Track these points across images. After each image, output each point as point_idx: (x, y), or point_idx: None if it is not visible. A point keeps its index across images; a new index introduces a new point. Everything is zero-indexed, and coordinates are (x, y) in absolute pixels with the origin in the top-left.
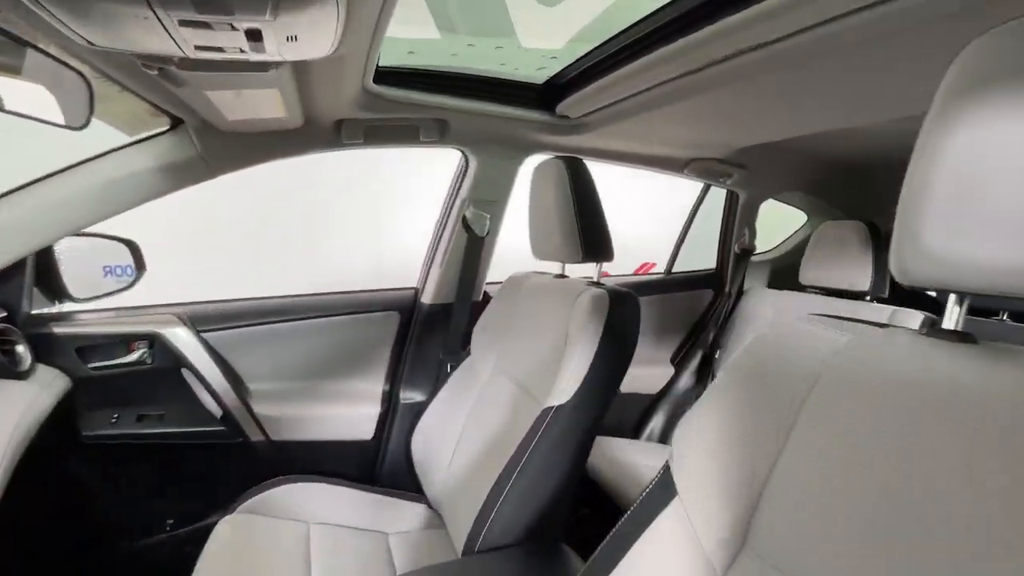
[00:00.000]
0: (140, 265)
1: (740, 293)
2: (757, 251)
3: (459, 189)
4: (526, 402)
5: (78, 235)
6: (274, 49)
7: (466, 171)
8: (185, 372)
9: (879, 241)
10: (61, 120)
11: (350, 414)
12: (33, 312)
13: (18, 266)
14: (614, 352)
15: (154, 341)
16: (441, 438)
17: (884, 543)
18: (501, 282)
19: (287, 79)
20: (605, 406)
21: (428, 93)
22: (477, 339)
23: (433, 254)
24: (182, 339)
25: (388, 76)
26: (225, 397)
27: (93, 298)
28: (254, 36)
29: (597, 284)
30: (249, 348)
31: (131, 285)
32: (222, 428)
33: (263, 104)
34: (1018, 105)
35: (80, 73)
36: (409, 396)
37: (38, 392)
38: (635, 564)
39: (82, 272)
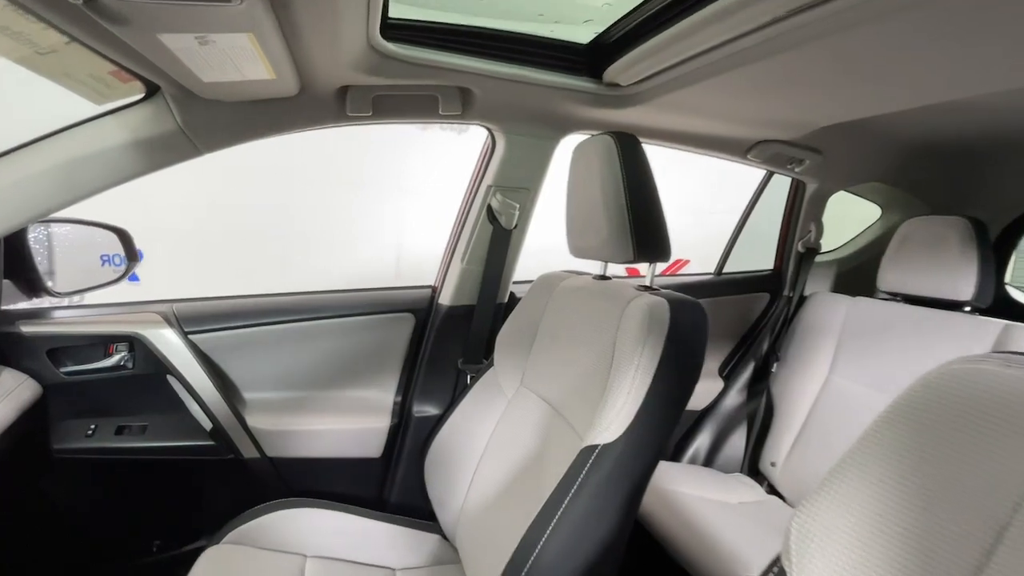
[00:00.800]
0: (132, 256)
1: (802, 297)
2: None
3: (483, 174)
4: (562, 431)
5: (59, 221)
6: None
7: (492, 152)
8: (171, 379)
9: (985, 240)
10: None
11: (356, 428)
12: (4, 308)
13: None
14: (676, 378)
15: (135, 343)
16: (458, 459)
17: None
18: (530, 281)
19: (264, 21)
20: (663, 443)
21: (448, 53)
22: (501, 347)
23: (453, 249)
24: (167, 341)
25: (399, 30)
26: (215, 408)
27: (74, 292)
28: None
29: (650, 289)
30: (243, 352)
31: (121, 278)
32: (212, 443)
33: (243, 61)
34: None
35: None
36: (423, 409)
37: None
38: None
39: (62, 263)
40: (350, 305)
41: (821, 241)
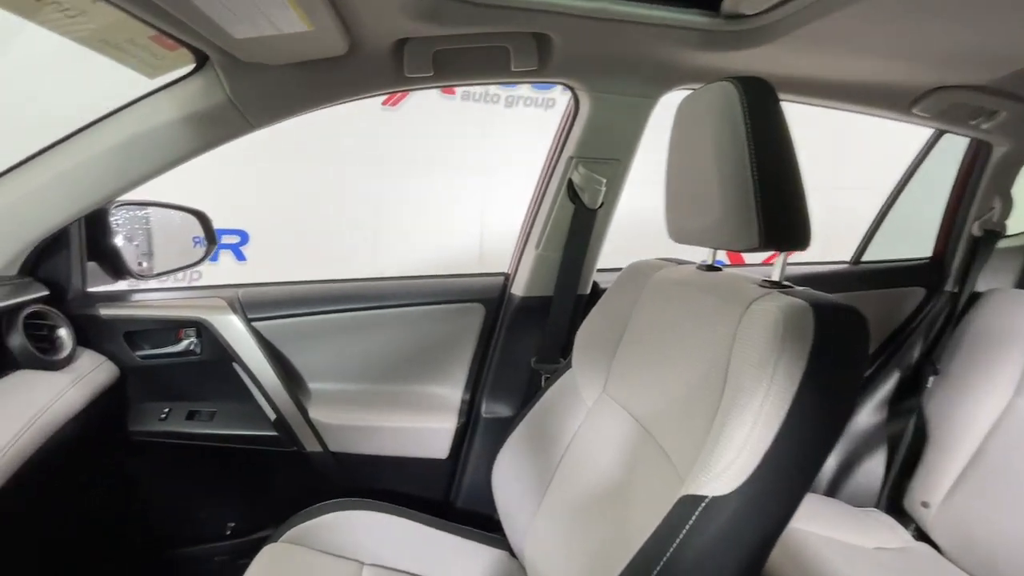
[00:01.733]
0: (211, 238)
1: (974, 294)
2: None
3: (564, 143)
4: (654, 460)
5: (140, 204)
6: None
7: (575, 116)
8: (236, 366)
9: None
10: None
11: (422, 427)
12: (88, 290)
13: (63, 240)
14: (823, 412)
15: (202, 329)
16: (529, 471)
17: None
18: (617, 270)
19: None
20: (800, 495)
21: None
22: (581, 347)
23: (528, 232)
24: (231, 328)
25: None
26: (278, 398)
27: (158, 275)
28: None
29: (780, 285)
30: (307, 341)
31: (201, 260)
32: (275, 434)
33: (273, 10)
34: None
35: None
36: (493, 410)
37: (69, 384)
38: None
39: (146, 246)
40: (416, 293)
41: (1007, 222)
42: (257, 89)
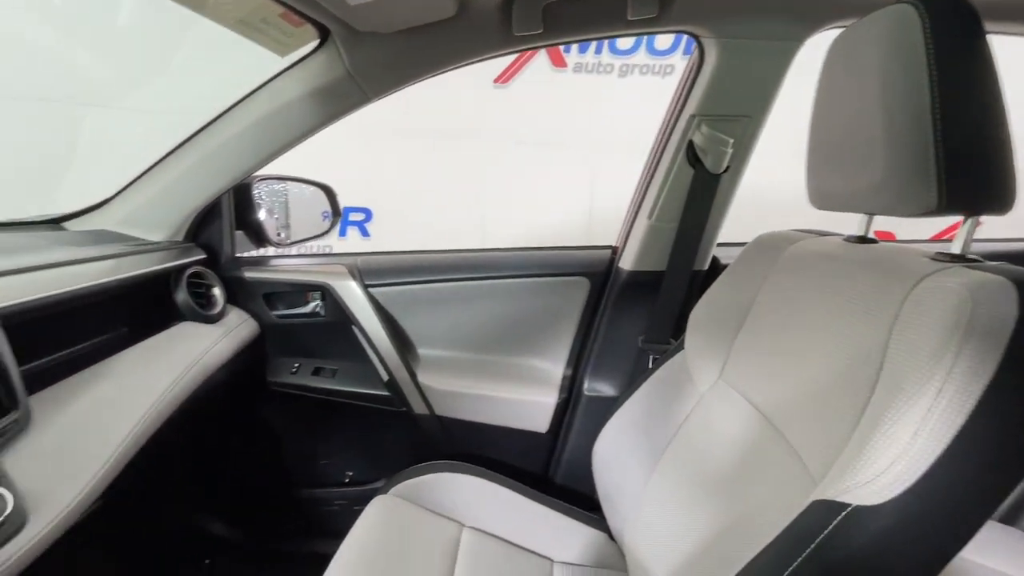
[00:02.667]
0: (336, 211)
1: None
2: None
3: (684, 101)
4: (780, 457)
5: (278, 179)
6: None
7: (699, 69)
8: (355, 328)
9: None
10: None
11: (523, 399)
12: (237, 255)
13: (216, 211)
14: (1011, 408)
15: (325, 293)
16: (634, 455)
17: None
18: (742, 244)
19: None
20: (982, 518)
21: None
22: (696, 327)
23: (640, 201)
24: (350, 293)
25: None
26: (390, 361)
27: (293, 243)
28: None
29: (964, 259)
30: (417, 308)
31: (328, 231)
32: (387, 394)
33: None
34: None
35: None
36: (596, 388)
37: (222, 336)
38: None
39: (283, 216)
40: (522, 265)
41: None
42: (372, 60)
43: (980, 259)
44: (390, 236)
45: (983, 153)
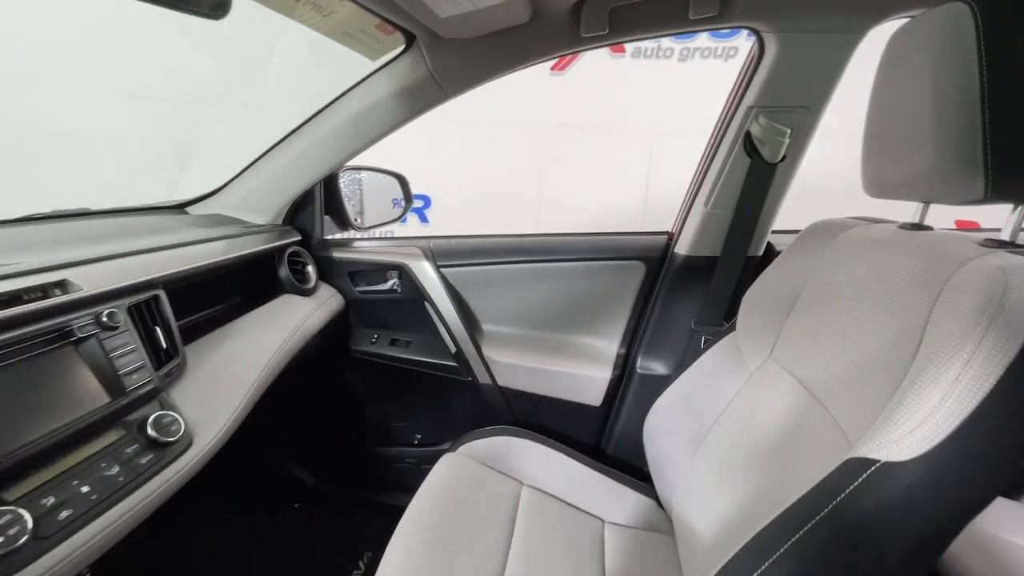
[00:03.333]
0: (408, 198)
1: None
2: None
3: (743, 93)
4: (822, 425)
5: (358, 169)
6: None
7: (758, 62)
8: (426, 305)
9: None
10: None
11: (579, 374)
12: (325, 237)
13: (309, 197)
14: None
15: (402, 272)
16: (683, 428)
17: None
18: (796, 231)
19: None
20: (995, 488)
21: None
22: (748, 310)
23: (697, 189)
24: (424, 273)
25: None
26: (458, 335)
27: (370, 227)
28: None
29: (1012, 245)
30: (483, 288)
31: (401, 216)
32: (455, 364)
33: None
34: None
35: None
36: (648, 367)
37: (315, 307)
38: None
39: (359, 203)
40: (580, 249)
41: None
42: (452, 62)
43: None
44: (448, 221)
45: None
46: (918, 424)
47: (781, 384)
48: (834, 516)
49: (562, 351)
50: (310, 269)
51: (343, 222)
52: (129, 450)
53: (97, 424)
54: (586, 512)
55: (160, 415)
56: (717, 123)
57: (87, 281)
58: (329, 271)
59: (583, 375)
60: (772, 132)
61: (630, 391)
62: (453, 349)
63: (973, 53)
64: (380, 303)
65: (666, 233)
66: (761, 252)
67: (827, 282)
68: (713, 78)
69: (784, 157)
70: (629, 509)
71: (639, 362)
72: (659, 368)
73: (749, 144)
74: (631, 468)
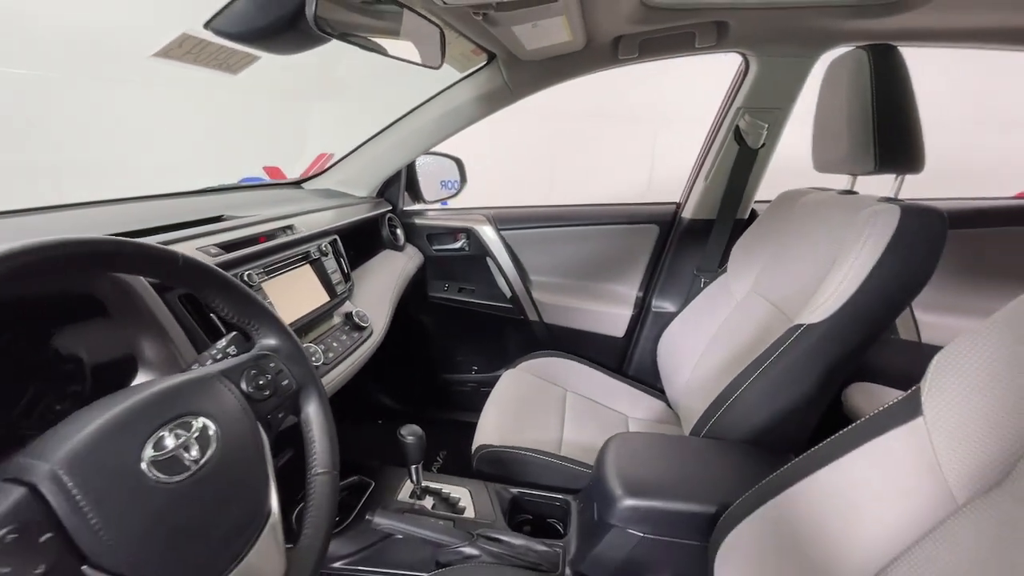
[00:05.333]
0: (463, 178)
1: None
2: None
3: (735, 96)
4: (780, 321)
5: (428, 153)
6: None
7: (745, 75)
8: (488, 260)
9: None
10: (426, 62)
11: (607, 311)
12: (404, 208)
13: (395, 176)
14: (894, 275)
15: (470, 234)
16: (686, 348)
17: None
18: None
19: (572, 5)
20: (870, 337)
21: None
22: (736, 258)
23: (699, 167)
24: (488, 235)
25: None
26: (514, 283)
27: (430, 202)
28: None
29: (895, 200)
30: (533, 246)
31: (457, 193)
32: (510, 306)
33: (553, 31)
34: None
35: (437, 25)
36: (660, 305)
37: (406, 262)
38: (854, 466)
39: (430, 181)
40: (608, 216)
41: None
42: (524, 75)
43: (901, 200)
44: (471, 196)
45: (902, 137)
46: (826, 298)
47: (758, 307)
48: (775, 365)
49: (593, 294)
50: (399, 231)
51: (416, 196)
52: (345, 328)
53: (326, 311)
54: (614, 410)
55: (357, 311)
56: (714, 120)
57: (302, 226)
58: (411, 234)
59: (609, 312)
60: (754, 126)
61: (646, 324)
62: (509, 294)
63: (868, 81)
64: (451, 259)
65: (675, 203)
66: (747, 215)
67: (790, 232)
68: (712, 69)
69: (763, 144)
70: (646, 408)
71: (653, 302)
72: (668, 306)
73: (737, 135)
74: (646, 383)
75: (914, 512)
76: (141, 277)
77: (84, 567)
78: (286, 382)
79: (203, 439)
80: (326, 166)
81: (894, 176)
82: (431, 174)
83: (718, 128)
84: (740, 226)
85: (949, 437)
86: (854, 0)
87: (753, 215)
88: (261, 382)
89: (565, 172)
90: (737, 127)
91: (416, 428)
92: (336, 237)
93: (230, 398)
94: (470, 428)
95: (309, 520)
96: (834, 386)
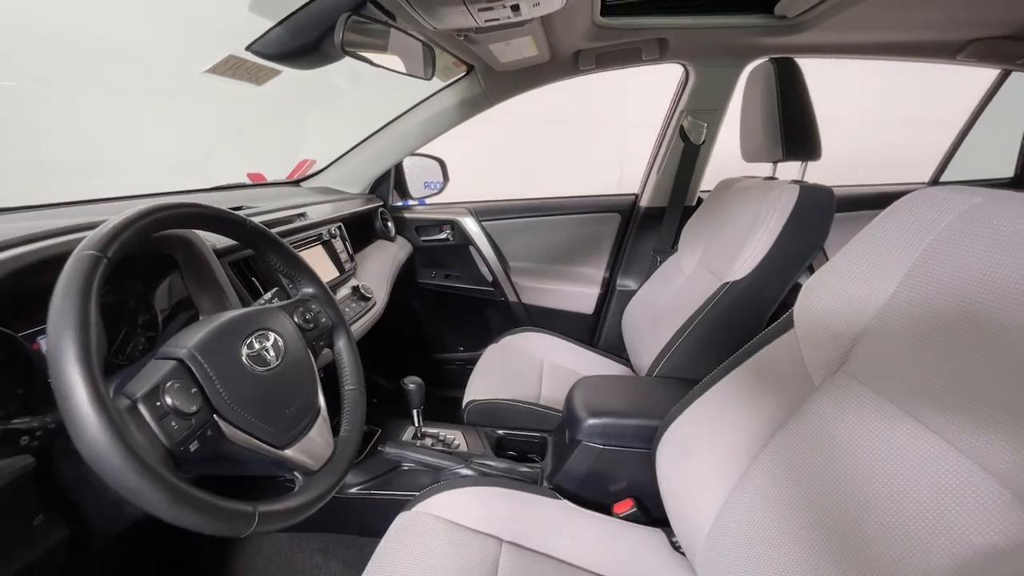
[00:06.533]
0: (446, 177)
1: None
2: None
3: (678, 101)
4: (716, 285)
5: (413, 155)
6: (527, 11)
7: (686, 84)
8: (471, 249)
9: None
10: (419, 75)
11: (578, 291)
12: (394, 204)
13: (386, 174)
14: (795, 240)
15: (454, 226)
16: (645, 319)
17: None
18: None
19: (537, 27)
20: (780, 290)
21: (649, 16)
22: (685, 238)
23: (652, 163)
24: (470, 226)
25: (614, 8)
26: (495, 268)
27: (415, 199)
28: (515, 8)
29: (798, 182)
30: (511, 235)
31: (440, 191)
32: (491, 289)
33: (523, 48)
34: None
35: (426, 44)
36: (624, 283)
37: (398, 250)
38: (750, 369)
39: (415, 180)
40: (576, 206)
41: None
42: (499, 84)
43: (803, 182)
44: (452, 192)
45: (801, 130)
46: (747, 256)
47: (703, 278)
48: (697, 327)
49: (565, 276)
50: (390, 224)
51: (403, 193)
52: (353, 298)
53: (338, 284)
54: (586, 375)
55: (363, 284)
56: (664, 121)
57: (312, 214)
58: (400, 226)
59: (580, 292)
60: (696, 126)
61: (612, 301)
62: (490, 278)
63: (774, 87)
64: (437, 248)
65: (633, 194)
66: (694, 202)
67: (726, 211)
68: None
69: (704, 141)
70: (617, 371)
71: (618, 281)
72: (631, 284)
73: (683, 134)
74: (614, 352)
75: (789, 395)
76: (207, 244)
77: (214, 416)
78: (324, 320)
79: (276, 347)
80: (308, 171)
81: (800, 163)
82: (417, 173)
83: (667, 128)
84: (688, 211)
85: (809, 338)
86: (764, 22)
87: (700, 201)
88: (307, 317)
89: (542, 173)
90: (682, 127)
91: (416, 378)
92: (342, 224)
93: (289, 323)
94: (457, 403)
95: (345, 420)
96: (758, 330)
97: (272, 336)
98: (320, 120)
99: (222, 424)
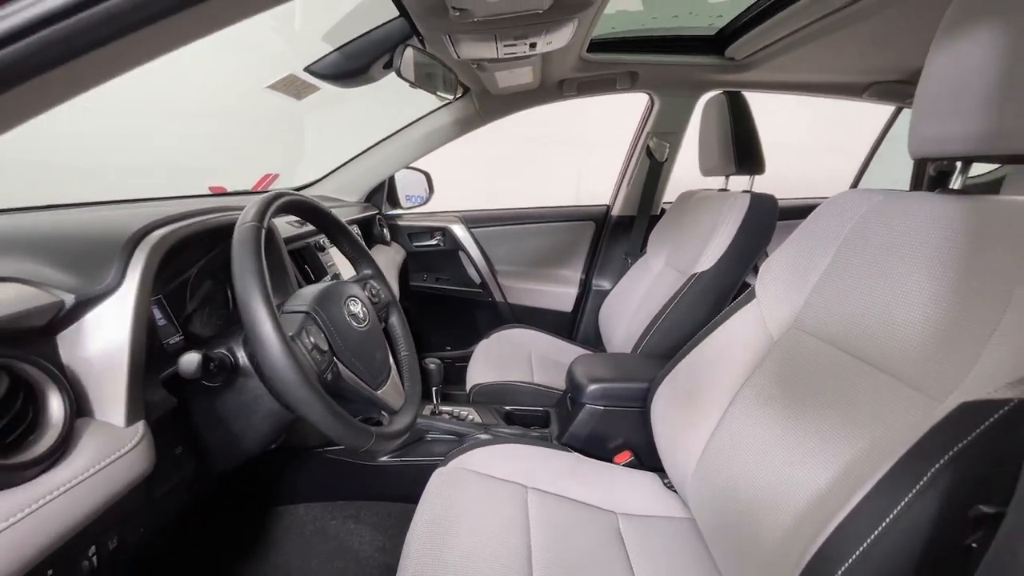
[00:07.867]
0: (431, 189)
1: None
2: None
3: (645, 124)
4: (683, 281)
5: (405, 168)
6: (541, 47)
7: (652, 109)
8: (461, 253)
9: None
10: (448, 94)
11: (558, 291)
12: (387, 212)
13: (380, 185)
14: (749, 240)
15: (445, 232)
16: (621, 314)
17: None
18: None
19: (537, 59)
20: (736, 282)
21: (624, 53)
22: (652, 242)
23: (623, 176)
24: (460, 233)
25: (597, 45)
26: (482, 271)
27: (406, 209)
28: (532, 46)
29: (747, 192)
30: (497, 241)
31: (426, 202)
32: (480, 291)
33: (522, 75)
34: None
35: (450, 69)
36: (599, 284)
37: (395, 253)
38: (714, 340)
39: (404, 191)
40: (555, 215)
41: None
42: (492, 104)
43: (752, 191)
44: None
45: (748, 148)
46: (710, 252)
47: (670, 276)
48: (668, 317)
49: (546, 278)
50: (386, 231)
51: (394, 202)
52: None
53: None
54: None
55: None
56: (631, 142)
57: None
58: (394, 233)
59: (559, 291)
60: (660, 146)
61: (589, 300)
62: (478, 280)
63: (727, 112)
64: (429, 254)
65: (606, 205)
66: (659, 211)
67: (688, 219)
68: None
69: (667, 159)
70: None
71: (593, 282)
72: (606, 284)
73: (648, 152)
74: (589, 346)
75: (753, 352)
76: (281, 232)
77: (334, 357)
78: (383, 295)
79: (364, 310)
80: (271, 185)
81: (748, 177)
82: (406, 185)
83: (635, 148)
84: (654, 219)
85: (769, 302)
86: (717, 62)
87: (663, 211)
88: (371, 292)
89: (505, 187)
90: (648, 147)
91: (436, 359)
92: (357, 225)
93: (364, 294)
94: (449, 397)
95: (407, 376)
96: (721, 310)
97: (359, 302)
98: (286, 136)
99: (339, 364)
